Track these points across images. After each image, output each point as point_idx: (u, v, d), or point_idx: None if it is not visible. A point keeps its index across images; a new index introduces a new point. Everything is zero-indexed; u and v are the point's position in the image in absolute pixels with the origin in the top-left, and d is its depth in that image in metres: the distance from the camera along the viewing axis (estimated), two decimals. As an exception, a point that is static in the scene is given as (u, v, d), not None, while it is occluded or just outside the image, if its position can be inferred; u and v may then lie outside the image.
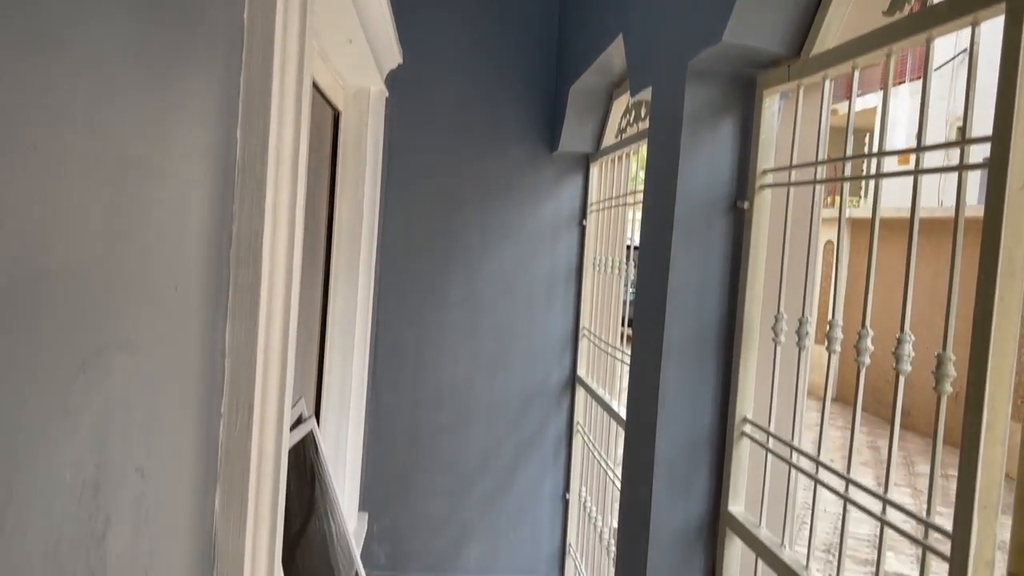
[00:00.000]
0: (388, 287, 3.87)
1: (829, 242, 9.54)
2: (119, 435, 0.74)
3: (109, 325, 0.70)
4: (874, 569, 1.45)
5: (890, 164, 1.80)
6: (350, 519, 2.79)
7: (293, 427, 1.93)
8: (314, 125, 2.25)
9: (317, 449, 2.09)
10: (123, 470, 0.76)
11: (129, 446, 0.77)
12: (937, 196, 9.83)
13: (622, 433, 2.62)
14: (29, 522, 0.58)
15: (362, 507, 3.67)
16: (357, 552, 2.34)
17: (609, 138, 3.58)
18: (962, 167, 1.28)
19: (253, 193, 1.09)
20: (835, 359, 1.63)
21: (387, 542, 3.92)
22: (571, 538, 3.99)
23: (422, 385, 3.93)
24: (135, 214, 0.75)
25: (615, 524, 2.85)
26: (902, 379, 1.40)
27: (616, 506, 2.70)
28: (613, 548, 3.03)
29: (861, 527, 5.64)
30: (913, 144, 1.41)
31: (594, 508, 3.56)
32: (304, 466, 1.96)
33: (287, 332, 1.18)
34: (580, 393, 3.93)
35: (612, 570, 2.86)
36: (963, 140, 1.29)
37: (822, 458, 1.66)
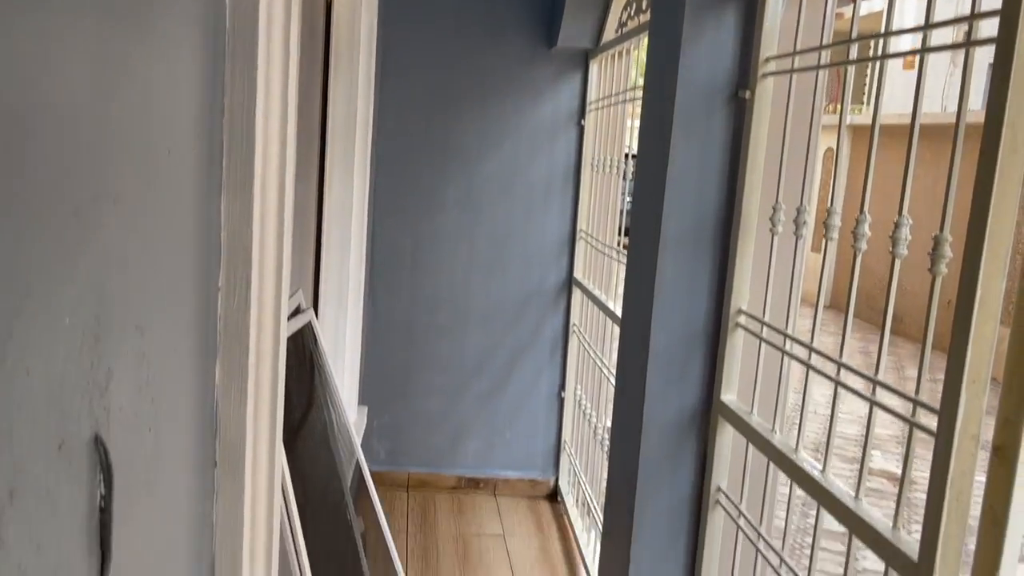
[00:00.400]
0: (384, 189, 3.84)
1: (829, 149, 9.44)
2: (117, 290, 0.74)
3: (101, 175, 0.69)
4: (859, 466, 1.49)
5: (895, 67, 1.75)
6: (350, 411, 2.85)
7: (291, 317, 1.95)
8: (305, 10, 2.19)
9: (316, 340, 2.11)
10: (123, 326, 0.76)
11: (127, 303, 0.77)
12: (940, 102, 9.68)
13: (618, 332, 2.65)
14: (31, 360, 0.59)
15: (362, 401, 3.75)
16: (358, 442, 2.39)
17: (609, 33, 3.49)
18: (969, 43, 1.25)
19: (245, 63, 1.07)
20: (832, 246, 1.64)
21: (386, 438, 4.01)
22: (566, 435, 4.08)
23: (419, 287, 3.95)
24: (121, 65, 0.73)
25: (609, 424, 2.91)
26: (898, 263, 1.40)
27: (611, 405, 2.75)
28: (607, 442, 3.11)
29: (850, 428, 5.78)
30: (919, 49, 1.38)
31: (589, 405, 3.63)
32: (304, 356, 1.98)
33: (283, 207, 1.17)
34: (576, 295, 3.95)
35: (606, 463, 2.93)
36: (972, 15, 1.26)
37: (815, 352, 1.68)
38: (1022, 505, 1.17)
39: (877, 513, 1.43)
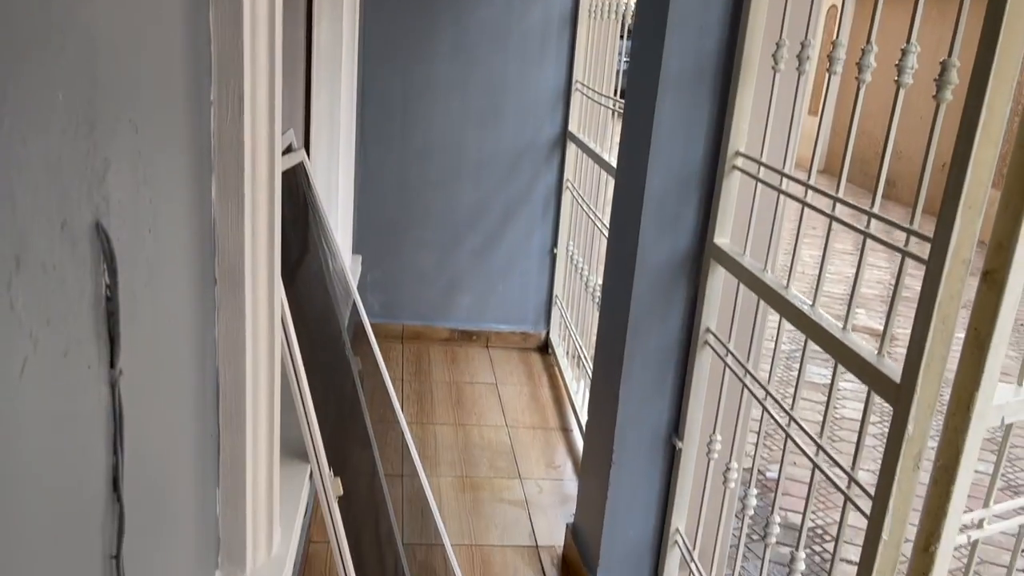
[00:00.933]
0: (373, 35, 3.71)
1: (833, 6, 9.12)
2: (108, 79, 0.72)
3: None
4: (848, 301, 1.52)
5: None
6: (345, 256, 2.86)
7: (284, 154, 1.92)
8: None
9: (309, 181, 2.09)
10: (116, 118, 0.75)
11: (120, 95, 0.75)
12: (952, -44, 9.28)
13: (612, 185, 2.63)
14: (27, 130, 0.57)
15: (356, 251, 3.76)
16: (354, 285, 2.41)
17: None
18: None
19: None
20: (836, 81, 1.60)
21: (380, 291, 4.06)
22: (558, 290, 4.13)
23: (411, 140, 3.89)
24: None
25: (601, 281, 2.94)
26: (902, 92, 1.38)
27: (603, 261, 2.77)
28: (599, 295, 3.15)
29: (836, 287, 5.87)
30: None
31: (581, 260, 3.66)
32: (298, 194, 1.97)
33: (273, 18, 1.13)
34: (571, 149, 3.90)
35: (597, 316, 2.98)
36: None
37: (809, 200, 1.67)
38: (1006, 328, 1.20)
39: (862, 342, 1.47)
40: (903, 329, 3.04)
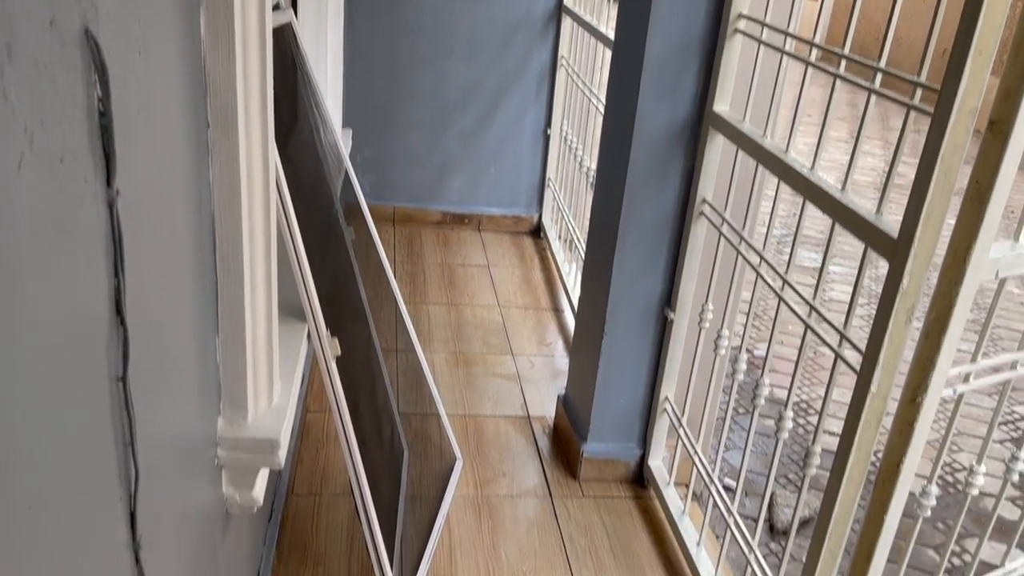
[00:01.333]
0: (361, -101, 3.53)
1: None
2: None
3: None
4: (848, 160, 1.50)
5: None
6: (335, 126, 2.80)
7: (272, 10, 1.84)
8: None
9: (298, 44, 2.03)
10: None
11: None
12: None
13: (608, 60, 2.56)
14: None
15: (346, 125, 3.69)
16: (346, 154, 2.38)
17: None
18: None
19: None
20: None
21: (371, 172, 4.01)
22: (551, 172, 4.09)
23: (400, 14, 3.76)
24: None
25: (595, 166, 2.90)
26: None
27: (597, 142, 2.72)
28: (592, 176, 3.12)
29: (830, 174, 5.84)
30: None
31: (575, 140, 3.61)
32: (286, 55, 1.91)
33: None
34: (566, 24, 3.79)
35: (590, 199, 2.96)
36: None
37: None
38: (1007, 179, 1.19)
39: (861, 200, 1.47)
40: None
